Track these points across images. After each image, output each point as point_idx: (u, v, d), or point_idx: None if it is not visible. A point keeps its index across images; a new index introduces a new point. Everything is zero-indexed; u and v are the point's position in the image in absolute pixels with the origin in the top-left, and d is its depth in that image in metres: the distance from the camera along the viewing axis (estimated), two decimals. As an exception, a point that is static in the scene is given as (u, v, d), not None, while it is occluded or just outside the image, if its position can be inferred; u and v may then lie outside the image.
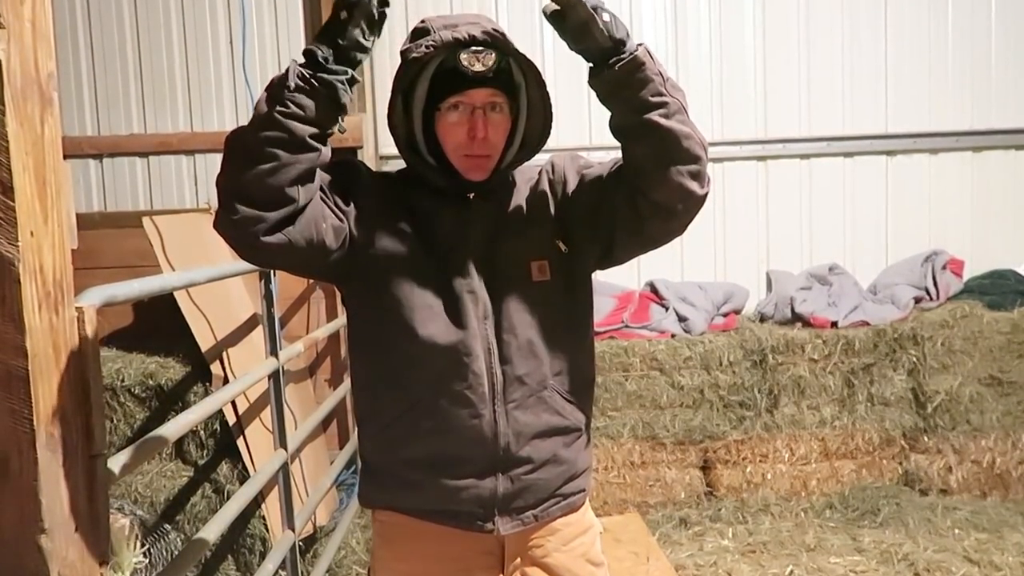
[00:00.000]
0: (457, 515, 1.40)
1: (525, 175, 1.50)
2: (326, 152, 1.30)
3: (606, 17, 1.26)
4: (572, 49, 1.32)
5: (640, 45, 1.29)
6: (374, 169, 1.50)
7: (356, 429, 1.49)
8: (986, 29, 4.61)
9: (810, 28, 4.57)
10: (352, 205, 1.39)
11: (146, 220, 3.45)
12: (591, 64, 1.32)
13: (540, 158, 1.47)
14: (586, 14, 1.24)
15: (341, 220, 1.37)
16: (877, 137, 4.63)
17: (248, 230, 1.25)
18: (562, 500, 1.46)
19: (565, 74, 4.20)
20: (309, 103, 1.23)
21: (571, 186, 1.45)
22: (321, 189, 1.34)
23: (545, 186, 1.47)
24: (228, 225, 1.27)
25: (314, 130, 1.25)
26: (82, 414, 1.34)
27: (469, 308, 1.37)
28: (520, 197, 1.47)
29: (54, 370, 1.27)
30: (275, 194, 1.24)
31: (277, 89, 1.24)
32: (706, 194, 1.33)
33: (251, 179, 1.23)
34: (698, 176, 1.31)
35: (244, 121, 5.03)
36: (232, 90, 4.33)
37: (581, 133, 4.46)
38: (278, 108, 1.22)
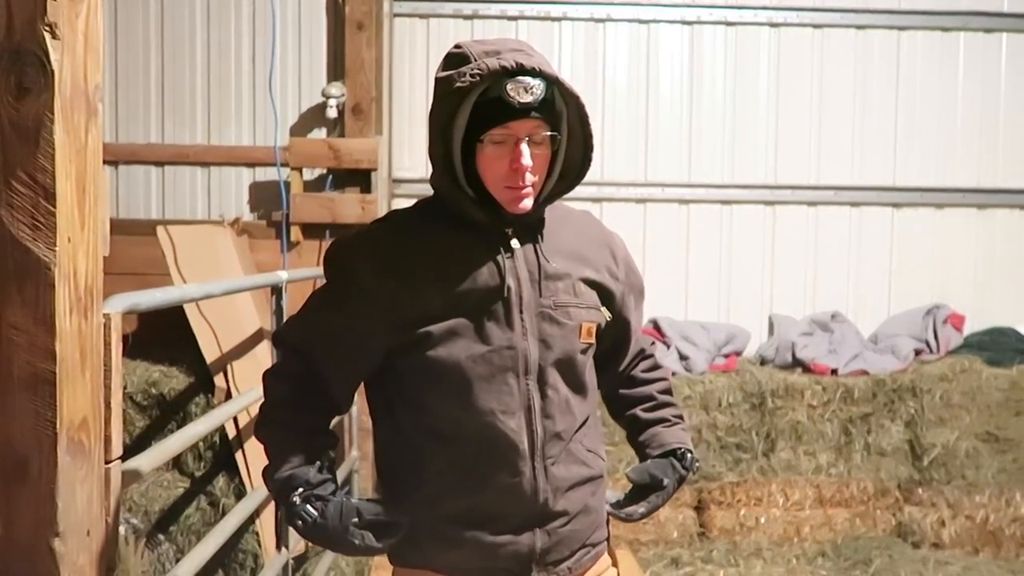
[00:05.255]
0: (494, 572, 1.36)
1: (560, 214, 1.44)
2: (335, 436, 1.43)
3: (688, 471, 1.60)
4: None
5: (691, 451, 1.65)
6: (387, 193, 1.49)
7: (380, 488, 1.45)
8: (995, 89, 4.68)
9: (823, 78, 4.64)
10: (359, 305, 1.35)
11: (160, 229, 3.48)
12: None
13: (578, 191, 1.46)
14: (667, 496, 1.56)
15: (360, 356, 1.38)
16: (884, 189, 4.68)
17: None
18: (592, 549, 1.44)
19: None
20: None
21: (625, 287, 1.49)
22: (337, 344, 1.38)
23: (605, 255, 1.46)
24: None
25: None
26: (102, 420, 1.36)
27: (509, 363, 1.32)
28: (564, 245, 1.41)
29: (79, 375, 1.28)
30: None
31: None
32: None
33: None
34: None
35: (260, 138, 4.97)
36: (251, 106, 4.37)
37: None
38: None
